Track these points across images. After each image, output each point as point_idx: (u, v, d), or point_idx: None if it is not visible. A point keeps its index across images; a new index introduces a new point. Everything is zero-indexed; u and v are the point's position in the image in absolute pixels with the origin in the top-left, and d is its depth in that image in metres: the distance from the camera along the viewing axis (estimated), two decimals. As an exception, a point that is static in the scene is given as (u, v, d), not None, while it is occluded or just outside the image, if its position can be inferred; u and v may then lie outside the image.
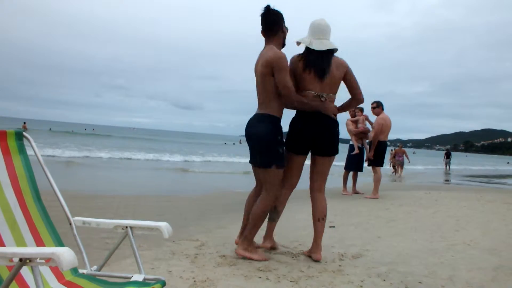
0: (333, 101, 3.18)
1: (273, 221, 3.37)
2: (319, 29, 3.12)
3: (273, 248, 3.40)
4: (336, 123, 3.20)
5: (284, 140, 3.15)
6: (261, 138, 3.03)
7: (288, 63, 3.01)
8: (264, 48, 3.08)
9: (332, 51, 3.12)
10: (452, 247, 3.81)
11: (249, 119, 3.16)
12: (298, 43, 3.15)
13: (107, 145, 24.69)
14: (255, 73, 3.12)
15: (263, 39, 3.12)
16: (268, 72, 2.95)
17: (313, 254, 3.20)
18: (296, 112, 3.20)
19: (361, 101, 3.25)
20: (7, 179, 1.69)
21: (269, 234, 3.40)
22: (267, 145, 3.02)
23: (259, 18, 3.06)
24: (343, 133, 8.43)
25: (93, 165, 12.73)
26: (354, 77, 3.18)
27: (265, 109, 3.04)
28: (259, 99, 3.09)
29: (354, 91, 3.20)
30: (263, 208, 3.08)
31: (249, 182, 3.12)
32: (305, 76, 3.08)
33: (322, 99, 3.08)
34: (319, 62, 3.06)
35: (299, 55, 3.15)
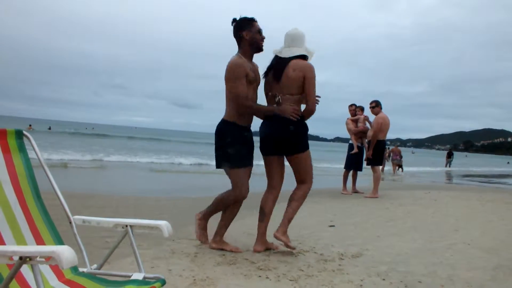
0: (294, 101, 3.21)
1: (261, 222, 3.36)
2: (290, 38, 3.30)
3: (269, 249, 3.39)
4: (295, 122, 3.18)
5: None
6: (215, 142, 3.29)
7: (240, 70, 3.10)
8: None
9: (300, 56, 3.26)
10: (451, 246, 3.82)
11: None
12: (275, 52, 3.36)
13: (122, 147, 23.77)
14: None
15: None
16: (225, 80, 3.17)
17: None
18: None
19: (311, 112, 3.26)
20: (7, 178, 1.69)
21: (260, 237, 3.36)
22: (216, 147, 3.28)
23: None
24: (343, 132, 8.45)
25: (132, 169, 12.66)
26: (311, 85, 3.19)
27: (225, 114, 3.25)
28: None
29: (307, 98, 3.24)
30: (223, 198, 3.34)
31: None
32: (267, 80, 3.32)
33: (276, 99, 3.24)
34: (276, 65, 3.27)
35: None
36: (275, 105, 3.24)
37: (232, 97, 3.15)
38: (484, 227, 4.89)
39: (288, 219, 3.34)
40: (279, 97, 3.22)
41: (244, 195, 3.24)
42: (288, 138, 3.21)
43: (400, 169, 18.56)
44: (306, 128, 3.29)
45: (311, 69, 3.19)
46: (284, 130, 3.19)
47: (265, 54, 3.30)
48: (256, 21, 3.20)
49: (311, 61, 3.35)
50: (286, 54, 3.26)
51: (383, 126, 7.49)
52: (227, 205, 3.33)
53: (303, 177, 3.39)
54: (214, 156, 3.30)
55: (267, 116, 3.27)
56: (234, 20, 3.22)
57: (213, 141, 3.31)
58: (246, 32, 3.15)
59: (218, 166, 3.30)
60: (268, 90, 3.33)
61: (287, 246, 3.29)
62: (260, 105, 3.28)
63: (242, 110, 3.18)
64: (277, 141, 3.26)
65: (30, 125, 33.47)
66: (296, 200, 3.41)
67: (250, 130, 3.35)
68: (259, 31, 3.20)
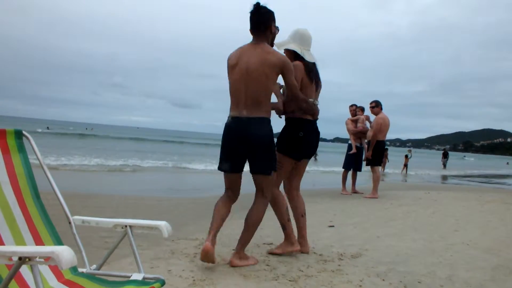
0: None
1: (290, 221, 3.36)
2: (307, 40, 3.28)
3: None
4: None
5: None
6: (265, 142, 2.88)
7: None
8: (255, 45, 2.89)
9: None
10: (451, 246, 3.82)
11: (241, 120, 2.86)
12: (281, 47, 3.25)
13: (150, 150, 22.48)
14: (243, 71, 2.84)
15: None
16: (276, 73, 2.84)
17: (303, 248, 3.36)
18: (293, 119, 3.24)
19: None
20: (6, 178, 1.69)
21: (303, 236, 3.41)
22: (270, 149, 2.92)
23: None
24: (343, 132, 8.46)
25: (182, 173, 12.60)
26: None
27: (264, 111, 2.87)
28: (251, 99, 2.83)
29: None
30: (262, 214, 3.03)
31: (248, 182, 3.11)
32: (307, 84, 3.21)
33: (316, 103, 3.31)
34: (317, 74, 3.32)
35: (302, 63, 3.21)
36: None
37: (295, 92, 2.98)
38: (483, 227, 4.89)
39: (305, 232, 3.44)
40: (316, 102, 3.30)
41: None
42: (317, 141, 3.41)
43: (405, 169, 19.83)
44: None
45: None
46: (318, 133, 3.39)
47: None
48: None
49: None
50: (309, 58, 3.23)
51: (383, 126, 7.49)
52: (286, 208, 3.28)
53: (298, 182, 3.47)
54: (258, 161, 2.91)
55: (307, 121, 3.24)
56: (259, 6, 2.88)
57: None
58: (274, 26, 2.97)
59: (265, 172, 2.93)
60: (305, 95, 3.20)
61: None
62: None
63: (299, 107, 3.12)
64: (317, 145, 3.44)
65: (47, 127, 33.38)
66: (305, 212, 3.47)
67: None
68: (278, 28, 3.06)
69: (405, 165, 19.84)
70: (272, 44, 3.04)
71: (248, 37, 3.01)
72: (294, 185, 3.44)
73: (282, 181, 3.41)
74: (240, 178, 3.04)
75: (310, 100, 3.20)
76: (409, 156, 20.21)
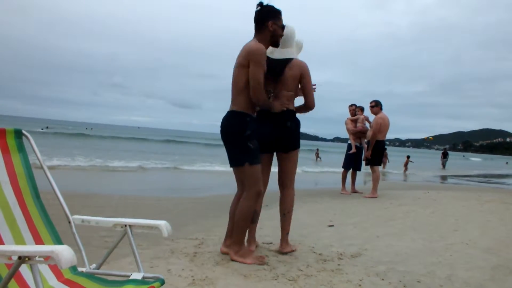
0: (288, 97, 3.20)
1: (254, 223, 3.29)
2: (282, 39, 3.21)
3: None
4: (292, 118, 3.23)
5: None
6: (229, 135, 2.97)
7: (264, 59, 2.91)
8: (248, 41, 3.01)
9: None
10: (450, 246, 3.82)
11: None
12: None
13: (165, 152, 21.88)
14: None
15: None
16: (243, 64, 2.89)
17: (281, 248, 3.34)
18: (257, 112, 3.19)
19: (311, 108, 3.31)
20: (6, 178, 1.69)
21: (253, 238, 3.32)
22: (233, 144, 2.98)
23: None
24: (343, 132, 8.46)
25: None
26: (308, 83, 3.24)
27: (234, 105, 2.96)
28: (231, 93, 3.01)
29: (306, 95, 3.27)
30: (247, 208, 2.98)
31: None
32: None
33: (270, 95, 3.17)
34: (274, 66, 3.17)
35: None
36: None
37: (254, 84, 2.86)
38: (483, 227, 4.89)
39: (287, 232, 3.36)
40: (272, 93, 3.19)
41: (261, 189, 3.06)
42: (286, 134, 3.21)
43: (405, 168, 20.70)
44: (299, 124, 3.30)
45: (306, 67, 3.24)
46: (283, 126, 3.20)
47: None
48: (282, 15, 3.04)
49: (303, 50, 3.39)
50: (278, 56, 3.23)
51: (382, 126, 7.48)
52: (256, 209, 3.11)
53: (290, 178, 3.31)
54: (230, 155, 3.02)
55: (261, 113, 3.17)
56: (261, 4, 2.99)
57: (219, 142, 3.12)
58: (272, 23, 2.97)
59: (238, 163, 2.98)
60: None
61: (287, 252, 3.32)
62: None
63: (255, 100, 2.91)
64: (275, 138, 3.20)
65: (47, 126, 33.19)
66: (289, 211, 3.34)
67: None
68: (283, 27, 3.06)
69: (405, 165, 20.75)
70: (272, 41, 3.04)
71: (249, 37, 3.04)
72: (279, 182, 3.36)
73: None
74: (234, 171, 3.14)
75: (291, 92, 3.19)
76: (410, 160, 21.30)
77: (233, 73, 2.99)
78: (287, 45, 3.27)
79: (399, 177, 16.52)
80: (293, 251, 3.37)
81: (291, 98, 3.24)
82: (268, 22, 2.97)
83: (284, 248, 3.33)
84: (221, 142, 3.09)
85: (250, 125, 2.95)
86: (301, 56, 3.41)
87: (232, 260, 3.01)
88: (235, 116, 2.95)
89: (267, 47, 3.04)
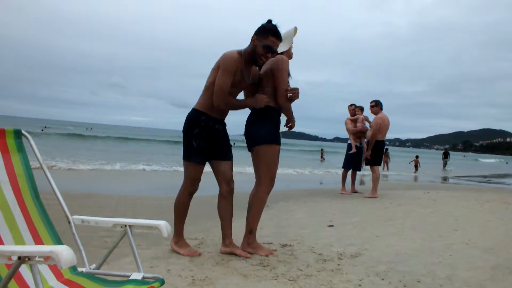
0: (266, 93, 3.17)
1: (222, 220, 3.30)
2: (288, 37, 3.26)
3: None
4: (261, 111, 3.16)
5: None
6: (183, 130, 3.14)
7: (232, 66, 2.94)
8: None
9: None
10: (450, 246, 3.82)
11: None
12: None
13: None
14: None
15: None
16: (214, 68, 3.03)
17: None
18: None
19: (280, 106, 3.19)
20: (6, 178, 1.69)
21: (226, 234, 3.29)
22: (183, 138, 3.14)
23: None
24: (343, 132, 8.47)
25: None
26: (276, 78, 3.14)
27: (197, 103, 3.13)
28: None
29: (277, 93, 3.17)
30: (176, 199, 3.25)
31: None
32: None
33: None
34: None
35: None
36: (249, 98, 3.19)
37: (216, 88, 2.95)
38: (483, 226, 4.90)
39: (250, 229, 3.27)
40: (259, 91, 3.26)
41: (194, 190, 3.22)
42: (252, 129, 3.24)
43: (415, 169, 21.43)
44: (270, 120, 3.19)
45: (277, 63, 3.14)
46: (253, 121, 3.25)
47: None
48: (275, 37, 2.96)
49: (296, 36, 3.32)
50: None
51: (382, 126, 7.48)
52: (185, 203, 3.23)
53: (257, 175, 3.24)
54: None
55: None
56: (268, 21, 3.02)
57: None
58: (256, 38, 2.97)
59: (185, 157, 3.16)
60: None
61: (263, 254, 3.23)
62: (239, 100, 3.12)
63: (215, 104, 2.99)
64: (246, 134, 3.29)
65: (45, 126, 33.00)
66: (255, 206, 3.27)
67: (224, 123, 3.21)
68: (268, 48, 2.95)
69: (415, 166, 21.43)
70: (251, 57, 3.02)
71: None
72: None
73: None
74: (228, 167, 3.24)
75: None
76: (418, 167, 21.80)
77: None
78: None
79: (402, 177, 16.41)
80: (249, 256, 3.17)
81: (268, 94, 3.17)
82: (254, 36, 2.98)
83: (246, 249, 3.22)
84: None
85: (204, 125, 3.05)
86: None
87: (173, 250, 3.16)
88: (192, 113, 3.11)
89: (249, 61, 3.04)
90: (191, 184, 3.18)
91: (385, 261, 3.24)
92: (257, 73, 3.25)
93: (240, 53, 3.02)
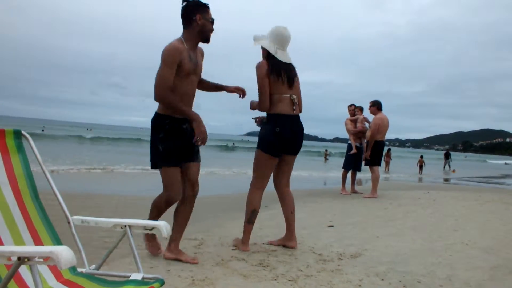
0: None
1: (251, 223, 3.37)
2: (284, 40, 3.29)
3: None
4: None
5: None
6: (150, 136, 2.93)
7: (171, 57, 2.72)
8: None
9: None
10: (450, 246, 3.82)
11: None
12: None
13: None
14: None
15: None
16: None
17: (290, 242, 3.48)
18: (271, 115, 3.30)
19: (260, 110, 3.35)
20: (5, 178, 1.69)
21: (248, 238, 3.37)
22: (150, 143, 2.92)
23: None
24: (343, 132, 8.46)
25: None
26: (258, 84, 3.28)
27: (158, 107, 2.88)
28: None
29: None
30: (155, 202, 2.99)
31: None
32: (274, 81, 3.25)
33: (294, 100, 3.32)
34: (291, 72, 3.34)
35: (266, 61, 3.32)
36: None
37: (156, 81, 2.73)
38: (482, 227, 4.90)
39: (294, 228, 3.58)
40: (295, 98, 3.34)
41: (175, 197, 2.92)
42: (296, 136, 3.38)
43: (421, 170, 21.49)
44: (268, 127, 3.32)
45: (256, 69, 3.28)
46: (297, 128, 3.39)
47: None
48: (210, 9, 2.85)
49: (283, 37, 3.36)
50: (282, 58, 3.29)
51: (381, 127, 7.48)
52: (161, 210, 2.98)
53: (288, 179, 3.56)
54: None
55: (287, 114, 3.29)
56: (184, 1, 2.83)
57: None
58: (200, 16, 2.79)
59: (152, 166, 2.94)
60: (273, 91, 3.27)
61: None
62: (182, 105, 2.78)
63: (156, 98, 2.76)
64: (299, 141, 3.41)
65: (44, 127, 32.74)
66: (294, 209, 3.57)
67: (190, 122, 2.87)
68: (212, 21, 2.85)
69: (421, 166, 21.47)
70: (201, 36, 2.86)
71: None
72: (283, 182, 3.51)
73: (274, 179, 3.49)
74: (196, 169, 3.06)
75: (286, 96, 3.28)
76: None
77: None
78: (286, 47, 3.34)
79: (402, 178, 16.40)
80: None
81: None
82: (196, 15, 2.79)
83: (293, 243, 3.49)
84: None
85: (168, 128, 2.83)
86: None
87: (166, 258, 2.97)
88: (155, 118, 2.88)
89: (196, 44, 2.89)
90: (172, 193, 2.90)
91: (385, 261, 3.24)
92: (200, 57, 3.03)
93: (180, 40, 2.81)
